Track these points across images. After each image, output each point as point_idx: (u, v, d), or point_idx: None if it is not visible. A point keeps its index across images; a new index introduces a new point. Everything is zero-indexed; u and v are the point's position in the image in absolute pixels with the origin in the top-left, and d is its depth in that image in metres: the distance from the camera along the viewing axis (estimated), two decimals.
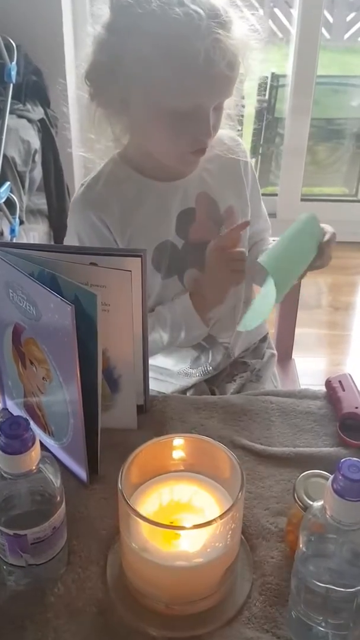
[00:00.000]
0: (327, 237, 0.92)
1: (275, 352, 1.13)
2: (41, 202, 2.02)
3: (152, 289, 0.93)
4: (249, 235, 1.00)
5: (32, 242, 1.91)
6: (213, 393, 1.03)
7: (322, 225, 0.93)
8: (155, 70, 0.77)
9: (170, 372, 1.03)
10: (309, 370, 1.62)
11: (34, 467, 0.54)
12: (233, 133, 0.95)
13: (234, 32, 0.78)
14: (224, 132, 0.92)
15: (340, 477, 0.48)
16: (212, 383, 1.04)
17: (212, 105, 0.81)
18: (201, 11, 0.74)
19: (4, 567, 0.59)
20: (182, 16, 0.74)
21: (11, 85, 1.71)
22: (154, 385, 1.00)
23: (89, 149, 0.90)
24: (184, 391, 1.03)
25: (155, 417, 0.81)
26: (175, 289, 0.94)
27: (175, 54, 0.75)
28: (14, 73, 1.70)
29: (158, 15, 0.74)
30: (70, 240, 0.92)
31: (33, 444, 0.53)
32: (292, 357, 1.25)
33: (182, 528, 0.58)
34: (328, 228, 0.94)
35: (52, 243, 2.08)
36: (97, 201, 0.89)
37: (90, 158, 0.91)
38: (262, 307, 0.87)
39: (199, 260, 0.92)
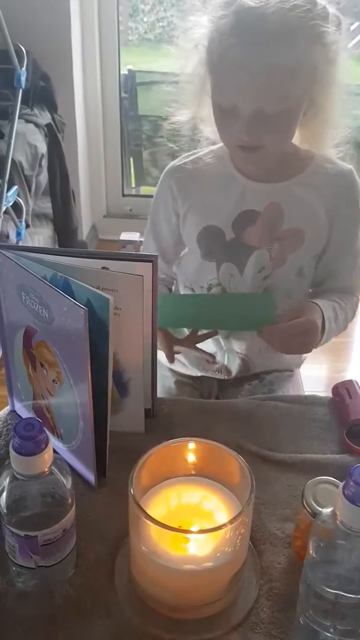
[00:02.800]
0: (282, 324, 0.86)
1: (293, 371, 1.12)
2: (46, 205, 2.03)
3: (189, 266, 1.00)
4: (325, 276, 0.98)
5: (37, 245, 1.92)
6: (216, 396, 1.04)
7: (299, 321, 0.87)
8: (212, 66, 0.83)
9: (190, 354, 1.04)
10: (312, 377, 1.62)
11: (46, 469, 0.54)
12: (348, 170, 0.93)
13: (292, 42, 0.77)
14: (343, 165, 0.93)
15: (351, 483, 0.49)
16: (220, 383, 1.06)
17: (250, 107, 0.80)
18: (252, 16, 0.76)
19: (13, 568, 0.59)
20: (231, 14, 0.78)
21: (20, 90, 1.72)
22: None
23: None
24: (191, 378, 1.04)
25: (163, 421, 0.81)
26: (211, 275, 0.98)
27: (219, 53, 0.80)
28: (23, 78, 1.72)
29: (220, 13, 0.80)
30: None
31: (46, 446, 0.54)
32: None
33: (192, 532, 0.58)
34: (308, 314, 0.87)
35: (57, 246, 2.09)
36: (180, 167, 0.97)
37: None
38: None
39: (241, 259, 0.95)
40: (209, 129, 0.93)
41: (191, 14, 0.84)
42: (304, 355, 1.10)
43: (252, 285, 0.96)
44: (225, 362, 1.03)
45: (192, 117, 0.92)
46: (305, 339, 0.87)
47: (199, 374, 1.06)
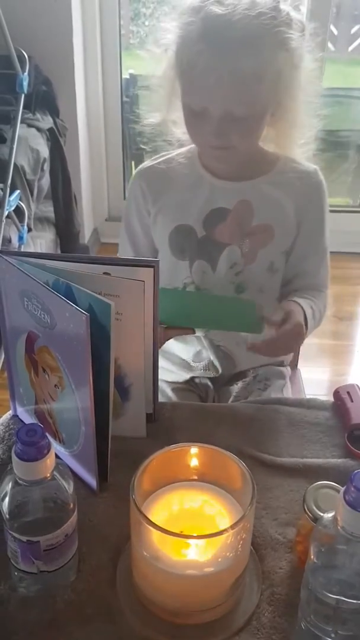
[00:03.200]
0: (267, 336, 0.88)
1: (288, 368, 1.13)
2: (48, 210, 2.04)
3: (162, 266, 0.99)
4: (296, 274, 1.00)
5: (39, 249, 1.93)
6: (213, 397, 1.05)
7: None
8: (182, 71, 0.86)
9: (174, 359, 1.06)
10: (313, 380, 1.63)
11: (48, 475, 0.55)
12: (313, 170, 0.97)
13: (258, 47, 0.81)
14: (308, 165, 0.96)
15: (352, 488, 0.49)
16: (214, 382, 1.07)
17: (219, 110, 0.84)
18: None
19: (15, 573, 0.60)
20: (199, 21, 0.81)
21: (22, 95, 1.73)
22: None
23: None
24: (185, 382, 1.05)
25: (164, 426, 0.81)
26: (184, 274, 0.99)
27: (189, 58, 0.84)
28: (25, 83, 1.73)
29: (187, 19, 0.83)
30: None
31: (48, 451, 0.54)
32: (298, 366, 1.25)
33: (193, 537, 0.58)
34: (295, 318, 0.89)
35: (59, 251, 2.10)
36: (149, 169, 0.99)
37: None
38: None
39: (212, 256, 0.97)
40: (180, 131, 0.96)
41: (161, 20, 0.87)
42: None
43: (225, 281, 0.98)
44: (211, 358, 1.05)
45: (163, 120, 0.95)
46: (292, 342, 0.92)
47: (189, 376, 1.06)
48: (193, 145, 0.99)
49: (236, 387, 1.04)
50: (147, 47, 0.90)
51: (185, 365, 1.07)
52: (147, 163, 1.01)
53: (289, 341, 0.90)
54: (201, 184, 0.97)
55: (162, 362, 1.03)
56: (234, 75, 0.81)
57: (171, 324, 0.90)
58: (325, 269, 1.03)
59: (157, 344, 0.77)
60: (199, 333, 1.03)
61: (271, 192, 0.96)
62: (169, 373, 1.07)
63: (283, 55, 0.83)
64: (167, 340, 0.96)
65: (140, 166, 1.01)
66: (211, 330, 1.01)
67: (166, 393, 1.04)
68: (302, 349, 1.24)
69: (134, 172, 1.04)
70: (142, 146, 1.01)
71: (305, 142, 0.96)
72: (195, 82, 0.85)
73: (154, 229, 1.01)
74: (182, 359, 1.07)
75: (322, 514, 0.58)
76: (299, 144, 0.96)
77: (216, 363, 1.05)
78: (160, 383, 1.06)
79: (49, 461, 0.54)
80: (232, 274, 0.98)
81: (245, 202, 0.96)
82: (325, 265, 1.03)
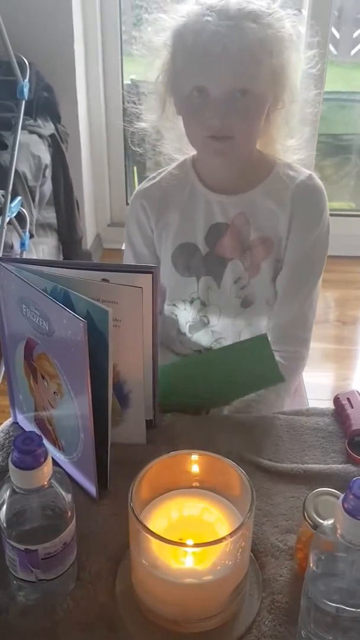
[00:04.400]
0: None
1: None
2: (50, 216, 2.04)
3: (168, 283, 1.01)
4: (273, 325, 0.97)
5: (41, 255, 1.93)
6: None
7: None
8: (173, 57, 0.86)
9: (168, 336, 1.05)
10: (316, 384, 1.62)
11: (45, 483, 0.54)
12: (308, 176, 0.94)
13: (254, 23, 0.82)
14: (303, 170, 0.95)
15: (351, 496, 0.48)
16: None
17: (220, 89, 0.83)
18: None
19: (14, 582, 0.59)
20: (200, 6, 0.83)
21: (23, 102, 1.74)
22: None
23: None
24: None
25: (164, 433, 0.81)
26: (191, 289, 0.99)
27: (181, 40, 0.84)
28: (26, 90, 1.73)
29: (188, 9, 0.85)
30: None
31: (45, 459, 0.54)
32: None
33: (192, 545, 0.58)
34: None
35: (61, 257, 2.10)
36: (147, 191, 1.00)
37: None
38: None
39: (217, 272, 0.97)
40: (171, 145, 0.97)
41: (150, 24, 0.88)
42: None
43: (231, 296, 0.98)
44: None
45: (155, 127, 0.94)
46: None
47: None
48: (187, 157, 0.98)
49: None
50: (139, 53, 0.90)
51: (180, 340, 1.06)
52: (144, 184, 1.01)
53: None
54: (198, 199, 0.96)
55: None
56: (240, 44, 0.80)
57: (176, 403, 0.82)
58: (311, 305, 0.98)
59: (157, 350, 0.77)
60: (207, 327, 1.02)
61: (265, 202, 0.95)
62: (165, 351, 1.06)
63: (285, 44, 0.85)
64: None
65: (139, 187, 1.02)
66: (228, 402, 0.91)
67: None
68: None
69: (133, 194, 1.03)
70: (134, 148, 0.99)
71: (298, 143, 0.95)
72: (199, 55, 0.83)
73: (159, 246, 1.01)
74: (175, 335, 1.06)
75: (321, 521, 0.58)
76: (293, 147, 0.95)
77: None
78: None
79: (46, 469, 0.54)
80: (237, 288, 0.97)
81: (241, 216, 0.95)
82: (313, 298, 0.98)
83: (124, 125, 1.01)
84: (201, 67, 0.84)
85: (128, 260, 1.04)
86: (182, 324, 1.03)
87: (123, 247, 1.07)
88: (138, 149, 0.99)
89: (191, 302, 1.00)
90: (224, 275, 0.97)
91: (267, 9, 0.84)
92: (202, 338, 1.02)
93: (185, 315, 1.02)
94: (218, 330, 1.01)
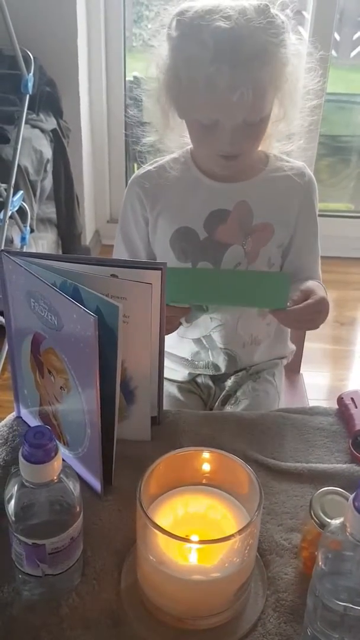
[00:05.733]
0: (298, 305, 0.89)
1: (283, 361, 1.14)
2: (50, 210, 2.04)
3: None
4: (294, 270, 1.01)
5: (40, 250, 1.92)
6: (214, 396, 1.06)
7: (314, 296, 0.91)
8: (184, 88, 0.87)
9: (173, 358, 1.07)
10: (315, 384, 1.63)
11: (55, 477, 0.54)
12: (302, 165, 1.00)
13: (262, 63, 0.83)
14: (295, 162, 0.99)
15: None
16: (215, 381, 1.07)
17: (231, 122, 0.86)
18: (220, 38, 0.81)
19: (19, 576, 0.59)
20: (209, 39, 0.81)
21: (27, 96, 1.73)
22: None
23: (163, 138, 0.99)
24: (187, 382, 1.07)
25: (169, 429, 0.81)
26: None
27: (192, 78, 0.85)
28: (30, 84, 1.72)
29: (190, 37, 0.84)
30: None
31: (56, 454, 0.53)
32: (300, 371, 1.25)
33: (201, 542, 0.58)
34: (318, 293, 0.91)
35: (61, 252, 2.10)
36: (143, 177, 1.00)
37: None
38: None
39: (215, 257, 0.98)
40: (172, 139, 0.98)
41: (153, 39, 0.89)
42: (290, 347, 1.15)
43: None
44: (211, 359, 1.05)
45: (159, 139, 0.97)
46: (317, 317, 0.92)
47: (188, 372, 1.07)
48: (186, 149, 1.00)
49: (229, 382, 1.05)
50: (148, 69, 0.92)
51: (185, 362, 1.07)
52: (141, 170, 1.01)
53: (312, 314, 0.90)
54: (198, 186, 0.98)
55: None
56: (256, 89, 0.83)
57: (184, 303, 0.89)
58: (318, 261, 1.06)
59: (163, 347, 0.77)
60: (202, 336, 1.03)
61: (268, 190, 0.97)
62: (170, 371, 1.07)
63: (289, 59, 0.87)
64: (176, 326, 0.95)
65: (135, 175, 1.02)
66: (231, 306, 0.99)
67: (169, 391, 1.04)
68: (303, 353, 1.24)
69: (130, 180, 1.04)
70: (141, 161, 1.02)
71: (297, 145, 0.98)
72: (212, 100, 0.85)
73: (154, 233, 1.01)
74: (181, 357, 1.07)
75: (328, 520, 0.58)
76: (275, 140, 0.99)
77: (218, 363, 1.05)
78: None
79: (57, 464, 0.54)
80: None
81: (244, 203, 0.97)
82: (318, 257, 1.05)
83: (124, 134, 1.02)
84: (215, 107, 0.86)
85: (119, 250, 1.04)
86: None
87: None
88: (142, 163, 1.01)
89: None
90: (223, 260, 0.98)
91: (274, 33, 0.83)
92: (201, 325, 1.02)
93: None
94: (217, 317, 1.01)
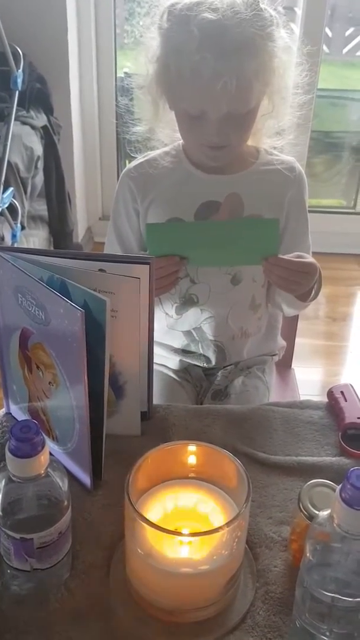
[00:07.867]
0: (285, 256, 0.89)
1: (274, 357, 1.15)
2: (42, 208, 2.03)
3: None
4: None
5: (32, 247, 1.91)
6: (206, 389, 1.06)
7: (305, 257, 0.93)
8: (173, 77, 0.88)
9: (165, 346, 1.07)
10: (307, 380, 1.63)
11: (42, 472, 0.54)
12: (292, 160, 1.01)
13: (250, 55, 0.83)
14: (284, 156, 1.00)
15: (348, 486, 0.49)
16: (207, 373, 1.07)
17: (219, 113, 0.87)
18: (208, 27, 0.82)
19: (8, 571, 0.59)
20: (195, 29, 0.82)
21: (17, 92, 1.72)
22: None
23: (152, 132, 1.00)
24: (180, 370, 1.07)
25: (159, 424, 0.81)
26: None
27: (179, 67, 0.85)
28: (19, 81, 1.72)
29: (179, 27, 0.84)
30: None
31: (42, 448, 0.53)
32: (292, 366, 1.25)
33: (189, 535, 0.58)
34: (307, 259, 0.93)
35: (52, 249, 2.09)
36: (134, 172, 1.00)
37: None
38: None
39: None
40: (164, 132, 0.99)
41: (146, 31, 0.90)
42: (281, 344, 1.15)
43: (221, 272, 0.99)
44: (201, 351, 1.05)
45: (150, 128, 0.97)
46: (303, 279, 0.91)
47: (179, 360, 1.07)
48: (177, 143, 1.01)
49: (219, 376, 1.05)
50: (135, 58, 0.92)
51: (177, 351, 1.07)
52: (132, 163, 1.02)
53: (300, 273, 0.90)
54: (189, 178, 0.98)
55: (155, 349, 1.03)
56: (240, 79, 0.83)
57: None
58: (309, 250, 1.06)
59: (152, 341, 0.77)
60: (192, 328, 1.03)
61: (258, 182, 0.98)
62: (162, 358, 1.07)
63: (277, 53, 0.87)
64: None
65: (127, 168, 1.02)
66: (220, 262, 0.95)
67: (165, 374, 1.05)
68: (295, 349, 1.24)
69: (122, 173, 1.05)
70: (133, 155, 1.02)
71: (287, 141, 0.99)
72: (198, 89, 0.86)
73: (145, 225, 1.01)
74: (172, 346, 1.07)
75: (317, 512, 0.58)
76: (266, 135, 0.99)
77: (208, 355, 1.05)
78: (156, 367, 1.06)
79: (43, 458, 0.54)
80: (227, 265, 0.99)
81: (234, 195, 0.97)
82: (309, 251, 1.05)
83: (116, 124, 1.02)
84: (200, 97, 0.87)
85: (111, 243, 1.04)
86: (168, 305, 1.03)
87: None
88: (135, 153, 1.01)
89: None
90: None
91: (261, 25, 0.83)
92: (191, 317, 1.02)
93: (171, 297, 1.01)
94: (207, 309, 1.01)
